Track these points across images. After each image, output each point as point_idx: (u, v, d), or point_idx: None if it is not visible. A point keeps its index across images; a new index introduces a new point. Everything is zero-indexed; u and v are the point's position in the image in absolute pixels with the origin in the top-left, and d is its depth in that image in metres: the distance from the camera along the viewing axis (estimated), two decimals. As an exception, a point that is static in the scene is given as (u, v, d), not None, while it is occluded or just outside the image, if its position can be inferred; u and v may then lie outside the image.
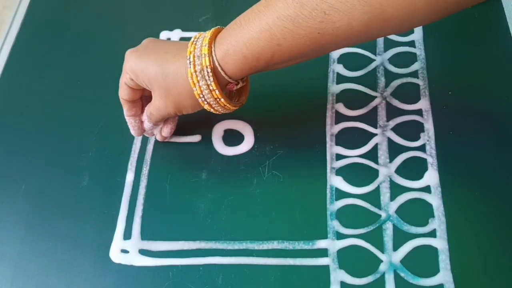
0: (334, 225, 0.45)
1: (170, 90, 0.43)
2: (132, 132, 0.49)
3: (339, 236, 0.45)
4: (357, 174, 0.48)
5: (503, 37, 0.55)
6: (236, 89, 0.44)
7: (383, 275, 0.43)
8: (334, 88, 0.53)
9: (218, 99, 0.42)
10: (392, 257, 0.43)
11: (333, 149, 0.49)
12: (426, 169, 0.47)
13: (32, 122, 0.53)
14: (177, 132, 0.51)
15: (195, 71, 0.41)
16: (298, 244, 0.44)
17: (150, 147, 0.51)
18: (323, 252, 0.44)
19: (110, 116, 0.53)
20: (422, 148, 0.48)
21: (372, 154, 0.48)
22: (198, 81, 0.41)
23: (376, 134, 0.50)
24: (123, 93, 0.46)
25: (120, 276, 0.44)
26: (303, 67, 0.43)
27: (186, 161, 0.50)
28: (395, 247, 0.44)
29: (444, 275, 0.42)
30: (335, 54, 0.55)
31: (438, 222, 0.45)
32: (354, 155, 0.49)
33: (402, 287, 0.42)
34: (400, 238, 0.44)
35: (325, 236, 0.45)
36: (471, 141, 0.48)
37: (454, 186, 0.46)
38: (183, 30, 0.59)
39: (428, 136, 0.49)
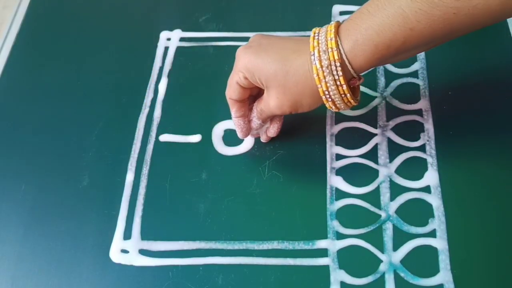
0: (334, 225, 0.45)
1: (289, 88, 0.41)
2: (240, 134, 0.47)
3: (339, 236, 0.45)
4: (357, 174, 0.47)
5: (503, 37, 0.55)
6: (357, 85, 0.42)
7: (383, 275, 0.43)
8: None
9: (343, 95, 0.41)
10: (392, 257, 0.43)
11: (333, 149, 0.49)
12: (426, 169, 0.47)
13: (32, 122, 0.53)
14: (177, 132, 0.51)
15: (321, 67, 0.39)
16: (298, 244, 0.44)
17: (150, 147, 0.51)
18: (323, 252, 0.44)
19: (110, 116, 0.53)
20: (422, 148, 0.48)
21: (372, 154, 0.48)
22: (324, 77, 0.39)
23: (376, 134, 0.50)
24: (233, 93, 0.44)
25: (120, 276, 0.44)
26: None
27: (186, 161, 0.50)
28: (395, 247, 0.44)
29: (444, 275, 0.42)
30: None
31: (438, 222, 0.44)
32: (354, 155, 0.49)
33: (402, 287, 0.42)
34: (400, 238, 0.44)
35: (325, 236, 0.45)
36: (471, 141, 0.48)
37: (454, 186, 0.46)
38: (183, 30, 0.59)
39: (428, 136, 0.49)
